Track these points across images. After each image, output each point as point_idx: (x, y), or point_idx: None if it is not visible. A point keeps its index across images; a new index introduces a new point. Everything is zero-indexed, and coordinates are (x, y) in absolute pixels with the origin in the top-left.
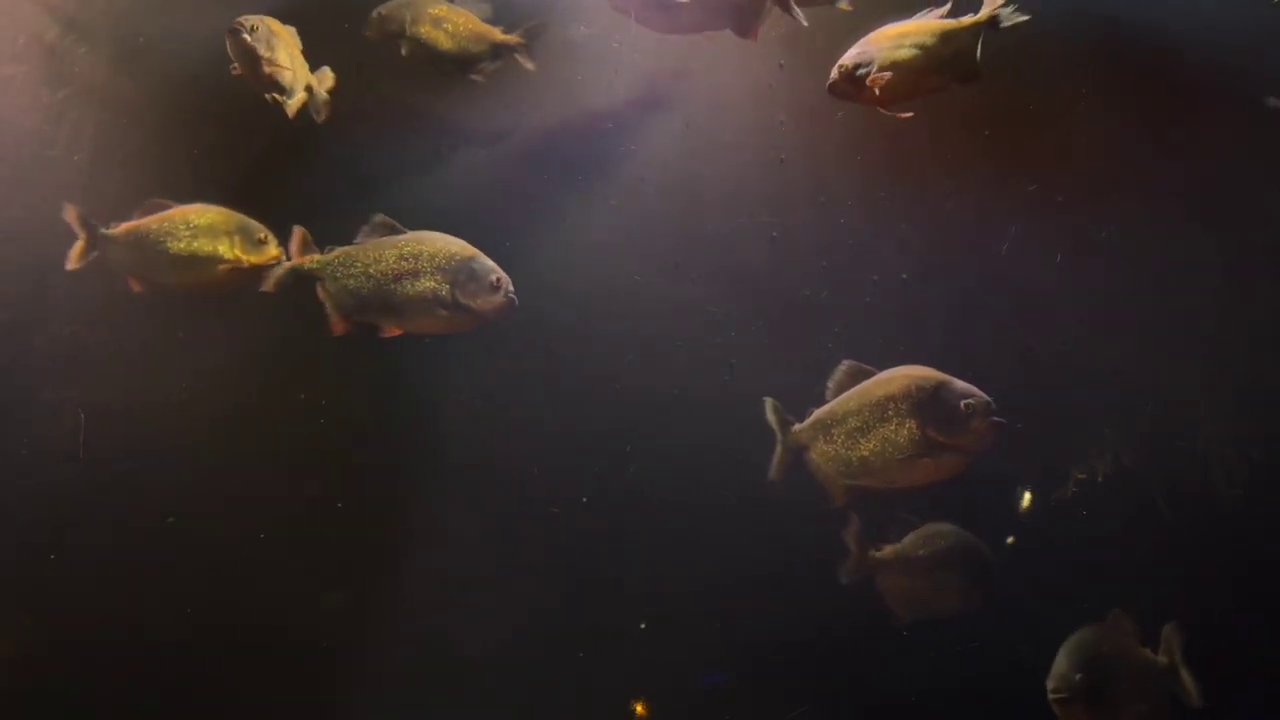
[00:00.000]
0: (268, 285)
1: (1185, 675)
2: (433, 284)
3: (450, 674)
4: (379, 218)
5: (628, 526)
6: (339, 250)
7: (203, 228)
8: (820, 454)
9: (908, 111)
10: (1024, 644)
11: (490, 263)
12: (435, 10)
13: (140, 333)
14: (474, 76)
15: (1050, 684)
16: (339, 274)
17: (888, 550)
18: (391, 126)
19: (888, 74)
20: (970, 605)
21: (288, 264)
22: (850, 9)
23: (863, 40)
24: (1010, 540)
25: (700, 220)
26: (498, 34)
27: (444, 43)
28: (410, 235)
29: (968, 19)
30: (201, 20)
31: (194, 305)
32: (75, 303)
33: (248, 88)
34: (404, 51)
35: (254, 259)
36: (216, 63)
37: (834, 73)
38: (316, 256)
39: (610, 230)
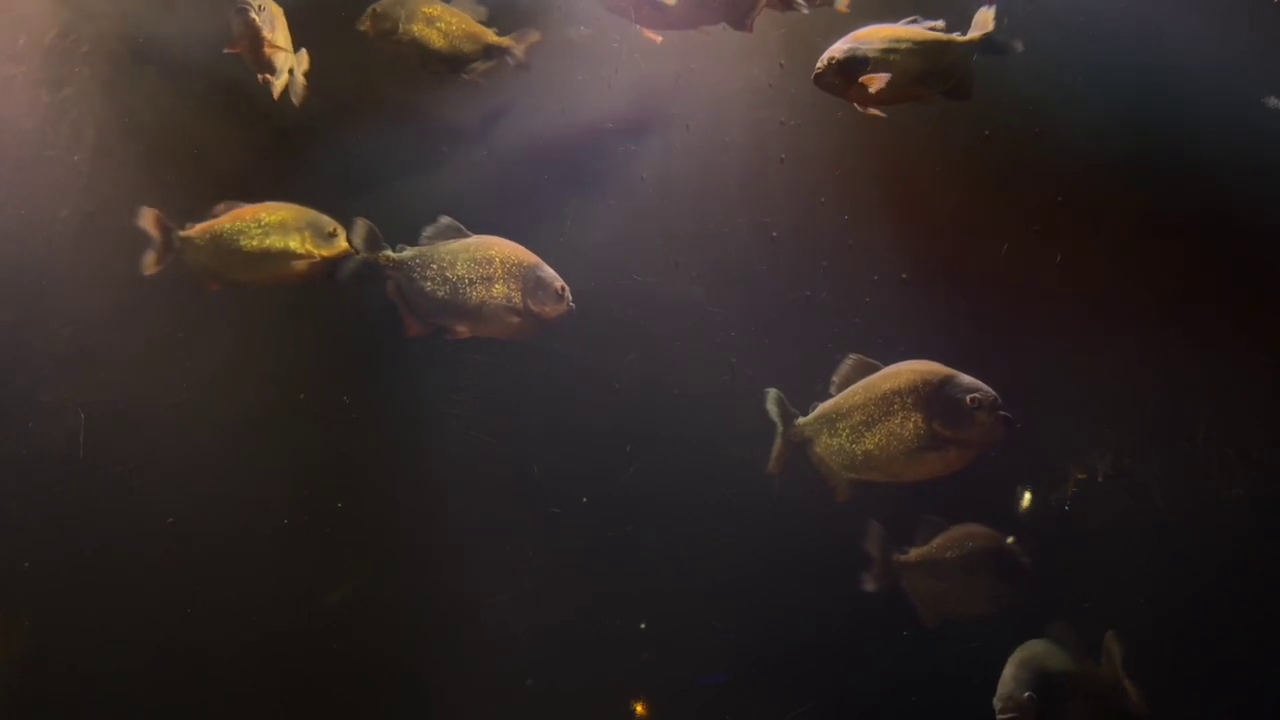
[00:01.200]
0: (340, 276)
1: (1129, 685)
2: (505, 290)
3: (450, 674)
4: (444, 220)
5: (628, 526)
6: (412, 250)
7: (274, 224)
8: (824, 448)
9: (881, 113)
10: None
11: (551, 270)
12: (429, 9)
13: (140, 333)
14: (465, 76)
15: (998, 704)
16: (414, 275)
17: (913, 554)
18: (391, 126)
19: (887, 75)
20: (1003, 607)
21: (360, 258)
22: (847, 11)
23: (851, 36)
24: (1010, 540)
25: (700, 220)
26: (490, 35)
27: (436, 41)
28: (477, 240)
29: (959, 36)
30: (200, 20)
31: (194, 305)
32: (75, 303)
33: (247, 87)
34: (396, 48)
35: (325, 252)
36: (216, 62)
37: (822, 64)
38: (390, 254)
39: (610, 230)
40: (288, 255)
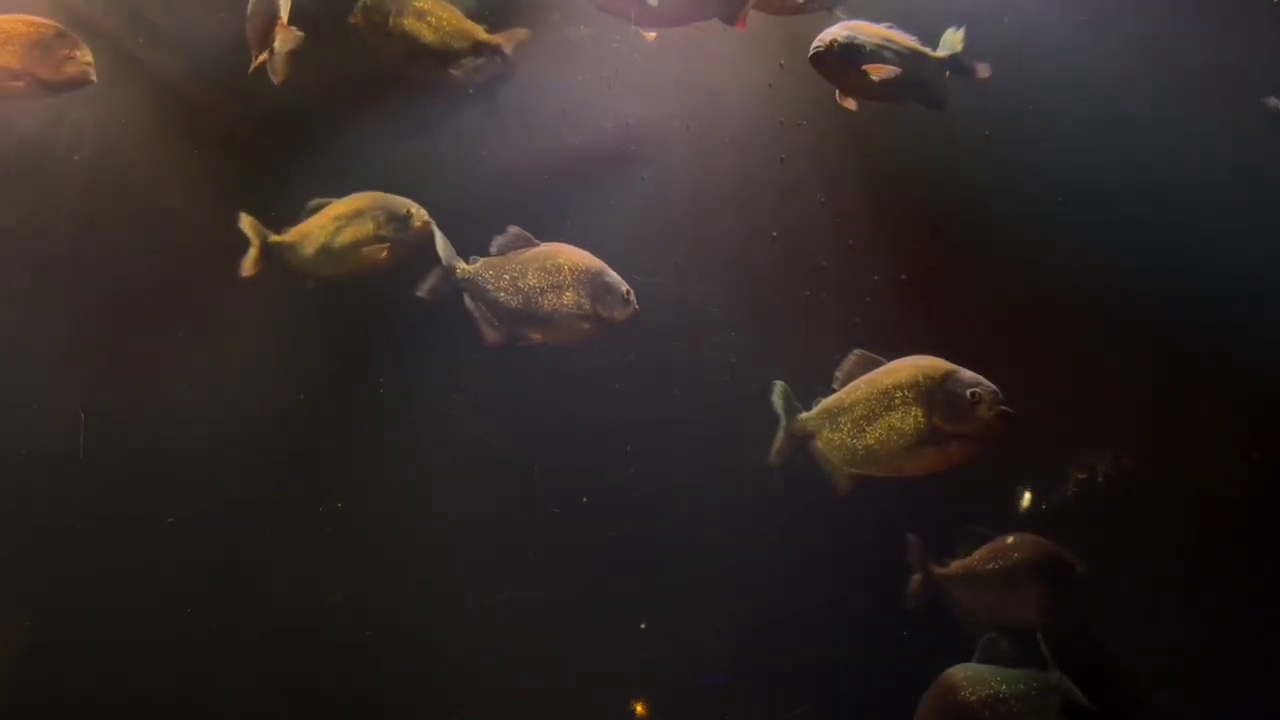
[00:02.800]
0: (423, 292)
1: (1068, 684)
2: (575, 297)
3: (450, 674)
4: (513, 229)
5: (628, 526)
6: (483, 261)
7: (350, 216)
8: (826, 442)
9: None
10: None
11: (616, 275)
12: (420, 3)
13: (140, 333)
14: (453, 72)
15: None
16: (487, 286)
17: (955, 566)
18: (391, 126)
19: (895, 70)
20: (1054, 618)
21: (439, 271)
22: (844, 16)
23: (845, 25)
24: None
25: (701, 220)
26: (481, 32)
27: (426, 36)
28: (545, 248)
29: (931, 51)
30: (200, 20)
31: (194, 305)
32: (75, 303)
33: (248, 87)
34: (386, 42)
35: (403, 235)
36: (216, 62)
37: (823, 44)
38: (464, 266)
39: (610, 230)
40: (370, 241)
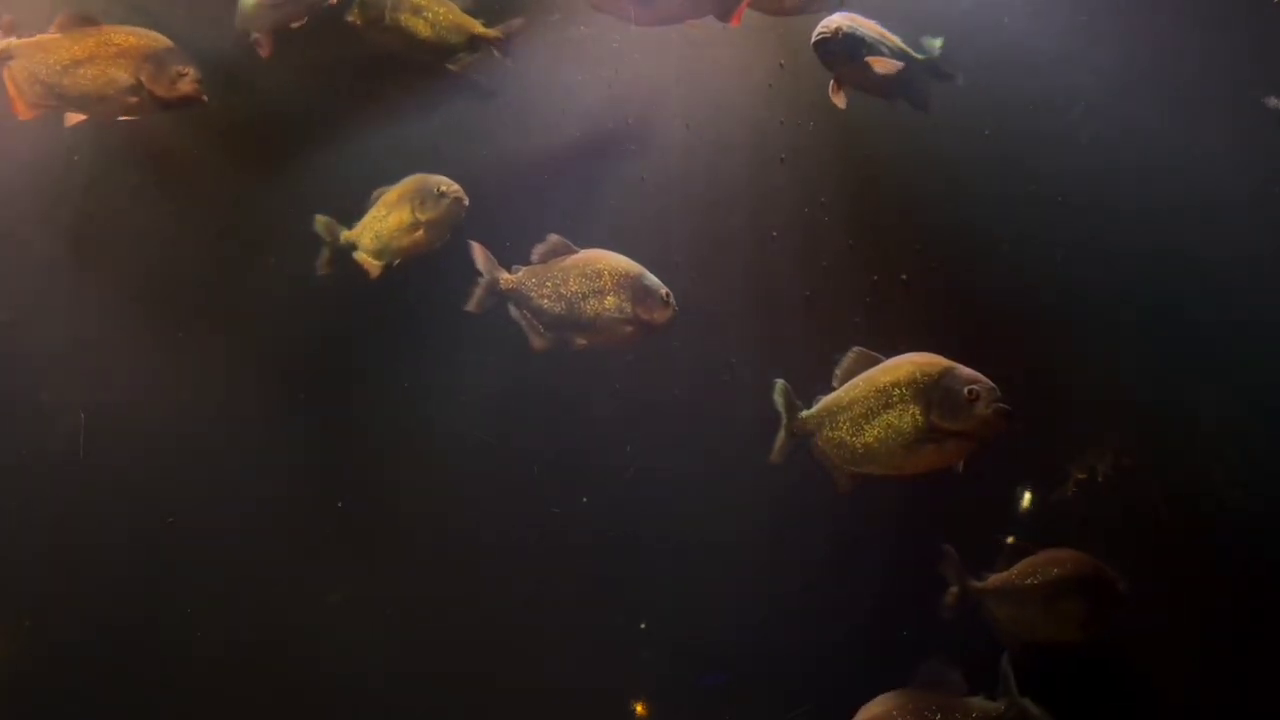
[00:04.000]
0: (471, 306)
1: (1032, 710)
2: (617, 301)
3: (450, 673)
4: (553, 237)
5: (627, 526)
6: (525, 270)
7: (395, 200)
8: (825, 441)
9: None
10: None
11: (655, 278)
12: None
13: (140, 333)
14: (450, 67)
15: None
16: (531, 294)
17: (993, 580)
18: (390, 126)
19: (899, 64)
20: (1095, 635)
21: (484, 283)
22: None
23: (845, 16)
24: (1010, 540)
25: (701, 220)
26: (477, 26)
27: (423, 31)
28: (585, 255)
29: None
30: (200, 20)
31: (194, 305)
32: (75, 303)
33: (249, 87)
34: (382, 37)
35: (433, 215)
36: (216, 62)
37: (829, 30)
38: (508, 276)
39: (610, 230)
40: (413, 228)
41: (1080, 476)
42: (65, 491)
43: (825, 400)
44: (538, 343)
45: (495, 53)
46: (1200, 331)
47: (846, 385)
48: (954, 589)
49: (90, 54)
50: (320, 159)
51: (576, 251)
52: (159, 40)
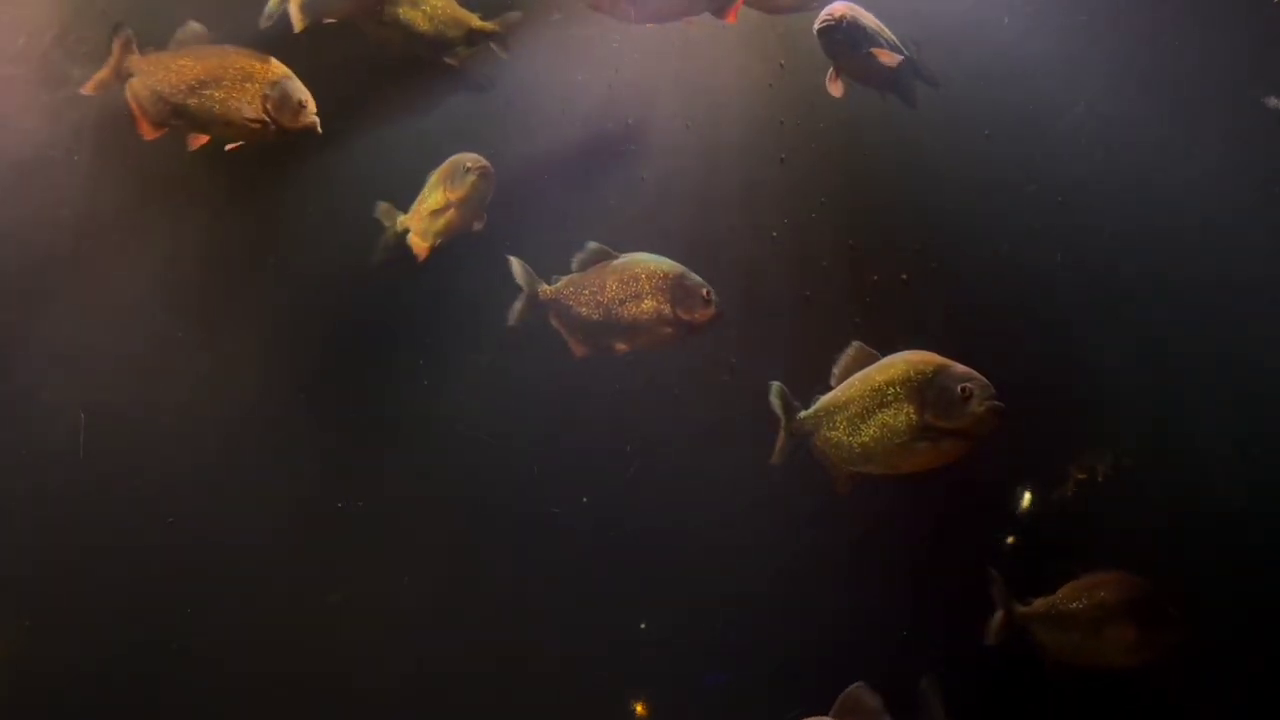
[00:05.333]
0: (512, 319)
1: None
2: (655, 304)
3: (450, 674)
4: (592, 245)
5: (628, 526)
6: (564, 280)
7: (435, 182)
8: (823, 441)
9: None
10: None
11: (697, 277)
12: None
13: (140, 333)
14: (448, 60)
15: None
16: (570, 303)
17: (1038, 604)
18: (391, 126)
19: (899, 57)
20: (1149, 659)
21: (524, 296)
22: None
23: (847, 5)
24: (1010, 540)
25: (701, 220)
26: (475, 20)
27: (421, 24)
28: (624, 260)
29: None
30: (200, 20)
31: (194, 305)
32: (75, 303)
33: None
34: (380, 31)
35: (461, 193)
36: None
37: (831, 17)
38: (546, 287)
39: (610, 230)
40: (445, 209)
41: (1080, 476)
42: (65, 491)
43: (822, 400)
44: (579, 350)
45: (493, 47)
46: (1200, 331)
47: (843, 385)
48: (1000, 613)
49: (214, 76)
50: (320, 158)
51: (616, 257)
52: (279, 68)
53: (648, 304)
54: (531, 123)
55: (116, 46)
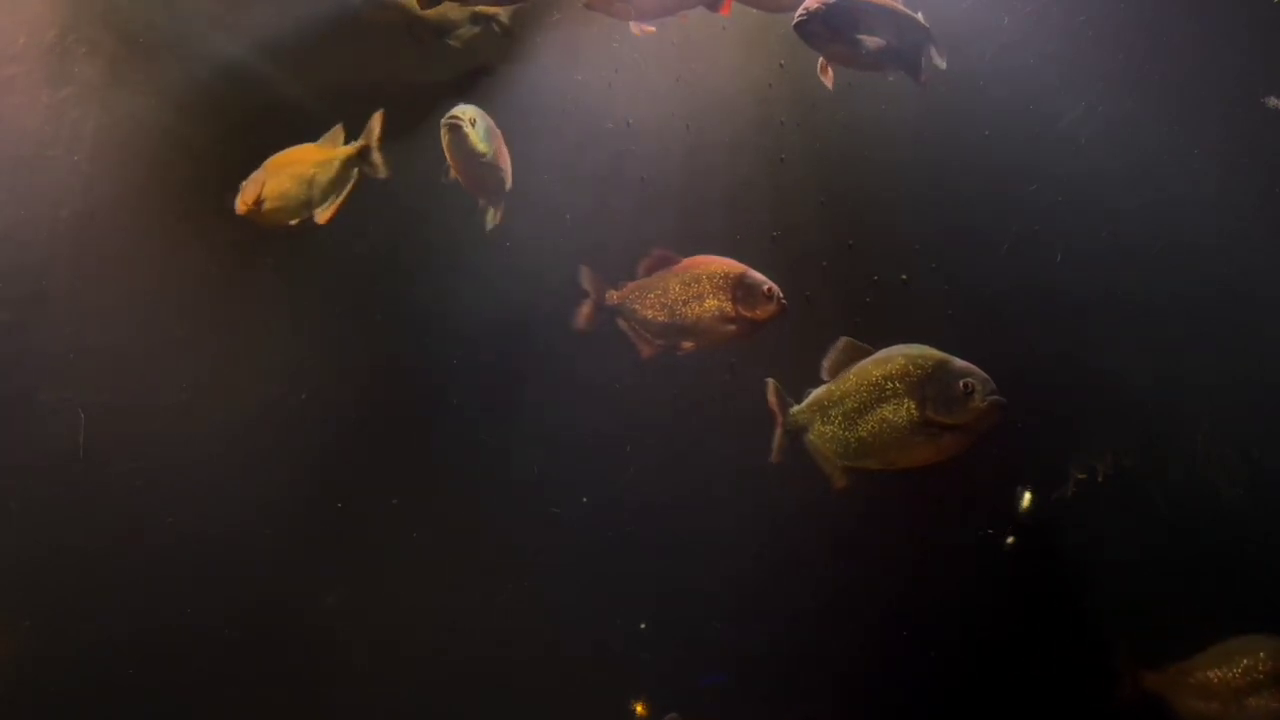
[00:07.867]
0: (580, 325)
1: None
2: (717, 303)
3: (450, 673)
4: (656, 251)
5: (628, 526)
6: (631, 285)
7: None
8: (819, 435)
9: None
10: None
11: (758, 274)
12: None
13: (140, 333)
14: (450, 42)
15: None
16: (636, 307)
17: (1173, 670)
18: (391, 126)
19: (880, 42)
20: None
21: (592, 302)
22: None
23: None
24: (1010, 540)
25: (701, 220)
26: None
27: (423, 7)
28: (687, 261)
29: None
30: (200, 20)
31: (194, 305)
32: (75, 303)
33: (247, 86)
34: (382, 15)
35: (485, 147)
36: (216, 61)
37: (806, 11)
38: (614, 292)
39: (610, 230)
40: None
41: (1080, 476)
42: (65, 491)
43: (816, 394)
44: (646, 351)
45: (495, 29)
46: (1201, 331)
47: (838, 378)
48: (1126, 679)
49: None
50: None
51: (679, 260)
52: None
53: (710, 303)
54: (532, 123)
55: None
